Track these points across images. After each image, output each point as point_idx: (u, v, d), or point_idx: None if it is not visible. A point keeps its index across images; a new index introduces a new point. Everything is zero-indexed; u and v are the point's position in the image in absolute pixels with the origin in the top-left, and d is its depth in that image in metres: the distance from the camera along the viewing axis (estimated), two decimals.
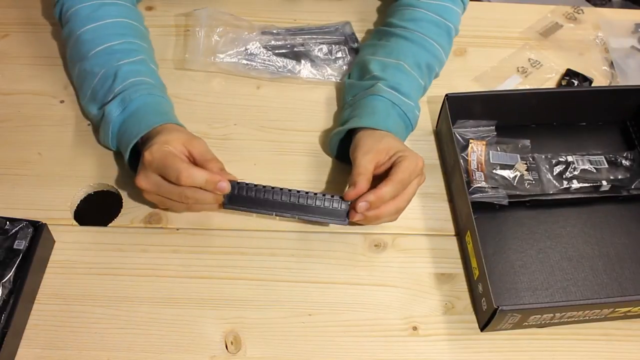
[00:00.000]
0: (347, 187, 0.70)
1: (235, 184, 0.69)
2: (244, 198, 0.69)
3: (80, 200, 0.77)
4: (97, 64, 0.77)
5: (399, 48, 0.82)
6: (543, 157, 0.79)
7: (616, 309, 0.66)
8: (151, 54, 0.83)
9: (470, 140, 0.79)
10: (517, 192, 0.76)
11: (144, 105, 0.74)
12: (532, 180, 0.77)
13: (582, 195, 0.78)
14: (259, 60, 0.87)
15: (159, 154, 0.67)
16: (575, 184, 0.77)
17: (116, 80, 0.76)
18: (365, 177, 0.69)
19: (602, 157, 0.80)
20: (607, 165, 0.79)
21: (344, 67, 0.88)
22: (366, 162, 0.70)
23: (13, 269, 0.66)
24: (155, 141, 0.68)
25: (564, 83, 0.90)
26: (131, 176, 0.77)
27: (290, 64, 0.88)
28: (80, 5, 0.80)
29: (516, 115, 0.82)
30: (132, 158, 0.73)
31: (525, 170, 0.78)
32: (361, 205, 0.68)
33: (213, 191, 0.67)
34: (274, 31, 0.90)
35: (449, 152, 0.78)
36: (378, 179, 0.70)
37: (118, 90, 0.75)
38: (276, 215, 0.70)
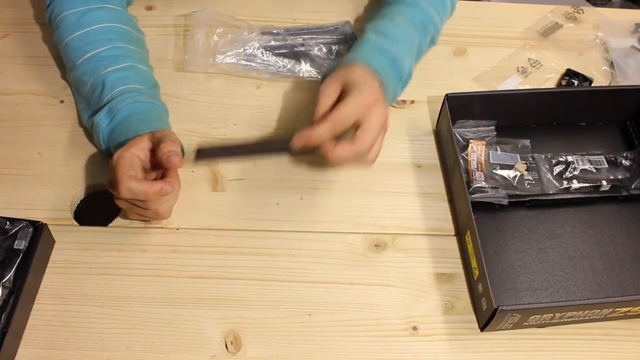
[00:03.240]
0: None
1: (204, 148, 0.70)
2: (212, 153, 0.72)
3: (80, 200, 0.77)
4: (85, 72, 0.77)
5: (392, 10, 0.82)
6: (543, 157, 0.79)
7: (616, 309, 0.66)
8: (142, 57, 0.82)
9: (470, 140, 0.79)
10: (517, 192, 0.76)
11: (130, 114, 0.74)
12: (532, 180, 0.77)
13: (582, 195, 0.78)
14: (259, 61, 0.87)
15: (115, 161, 0.67)
16: (575, 184, 0.77)
17: (104, 89, 0.75)
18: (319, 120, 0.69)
19: (602, 157, 0.80)
20: (607, 165, 0.79)
21: None
22: (324, 97, 0.70)
23: (13, 269, 0.66)
24: (122, 146, 0.69)
25: (564, 83, 0.90)
26: None
27: (290, 63, 0.88)
28: (67, 11, 0.80)
29: (516, 115, 0.82)
30: None
31: (525, 170, 0.78)
32: (299, 137, 0.68)
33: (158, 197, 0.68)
34: (274, 31, 0.90)
35: (449, 152, 0.78)
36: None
37: (106, 99, 0.75)
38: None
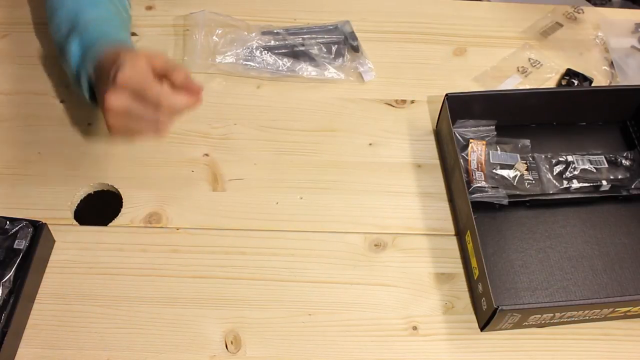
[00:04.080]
0: None
1: None
2: None
3: (80, 200, 0.77)
4: (63, 7, 0.77)
5: None
6: (543, 157, 0.79)
7: (616, 309, 0.66)
8: (125, 23, 0.81)
9: (470, 140, 0.79)
10: (517, 192, 0.76)
11: (101, 37, 0.72)
12: (532, 180, 0.77)
13: (582, 195, 0.77)
14: (259, 61, 0.87)
15: (135, 74, 0.63)
16: (575, 184, 0.77)
17: (78, 22, 0.74)
18: None
19: (602, 157, 0.80)
20: (607, 165, 0.79)
21: (345, 65, 0.88)
22: None
23: (13, 269, 0.66)
24: (124, 59, 0.64)
25: (564, 83, 0.90)
26: (131, 175, 0.77)
27: (289, 63, 0.88)
28: None
29: (516, 115, 0.82)
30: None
31: (525, 170, 0.78)
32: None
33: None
34: (274, 31, 0.90)
35: (449, 152, 0.78)
36: None
37: (79, 30, 0.74)
38: None
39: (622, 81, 0.90)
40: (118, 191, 0.77)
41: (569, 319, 0.67)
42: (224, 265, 0.72)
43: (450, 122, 0.78)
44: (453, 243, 0.74)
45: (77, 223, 0.74)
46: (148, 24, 0.89)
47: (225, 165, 0.79)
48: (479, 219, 0.72)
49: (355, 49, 0.89)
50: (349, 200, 0.77)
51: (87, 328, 0.67)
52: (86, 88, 0.72)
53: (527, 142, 0.80)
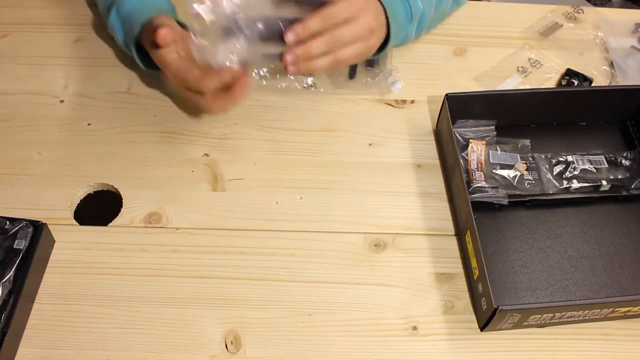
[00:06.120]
0: None
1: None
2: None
3: (80, 200, 0.77)
4: None
5: None
6: (543, 157, 0.79)
7: (616, 309, 0.66)
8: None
9: (470, 140, 0.79)
10: (517, 192, 0.76)
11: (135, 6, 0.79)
12: (532, 180, 0.77)
13: (582, 195, 0.78)
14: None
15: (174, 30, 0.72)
16: (575, 184, 0.77)
17: None
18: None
19: (602, 157, 0.80)
20: (607, 165, 0.79)
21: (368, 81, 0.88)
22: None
23: (13, 269, 0.66)
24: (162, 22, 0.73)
25: (564, 83, 0.90)
26: (131, 175, 0.77)
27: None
28: None
29: (516, 115, 0.82)
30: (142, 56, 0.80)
31: (525, 170, 0.78)
32: (288, 35, 0.68)
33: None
34: None
35: (449, 152, 0.78)
36: None
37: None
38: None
39: (622, 81, 0.90)
40: (118, 191, 0.77)
41: (569, 319, 0.67)
42: (224, 265, 0.72)
43: (450, 122, 0.78)
44: (453, 243, 0.74)
45: (77, 223, 0.74)
46: None
47: (225, 165, 0.79)
48: (479, 219, 0.72)
49: (370, 64, 0.87)
50: (349, 200, 0.77)
51: (87, 328, 0.67)
52: (136, 56, 0.80)
53: (527, 142, 0.80)
